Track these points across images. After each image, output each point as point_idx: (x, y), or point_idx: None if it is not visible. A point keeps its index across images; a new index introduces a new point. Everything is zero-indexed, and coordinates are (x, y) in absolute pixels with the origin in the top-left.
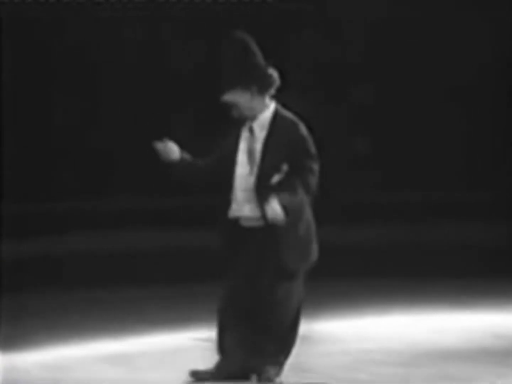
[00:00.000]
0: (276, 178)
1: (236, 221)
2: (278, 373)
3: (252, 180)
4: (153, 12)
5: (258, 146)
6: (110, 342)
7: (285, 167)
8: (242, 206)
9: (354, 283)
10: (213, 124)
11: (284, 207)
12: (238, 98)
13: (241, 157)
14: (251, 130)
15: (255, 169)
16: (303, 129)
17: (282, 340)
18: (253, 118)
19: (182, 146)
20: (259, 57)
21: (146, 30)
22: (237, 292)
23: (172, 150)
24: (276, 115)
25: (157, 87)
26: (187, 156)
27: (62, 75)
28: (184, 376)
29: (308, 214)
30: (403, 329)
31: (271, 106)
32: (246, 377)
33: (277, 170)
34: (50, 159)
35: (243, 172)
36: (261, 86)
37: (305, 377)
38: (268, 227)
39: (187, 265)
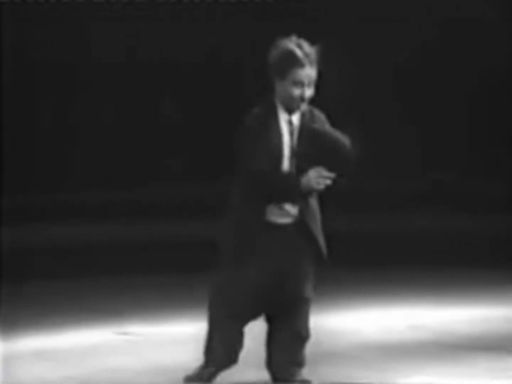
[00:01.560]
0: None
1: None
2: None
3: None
4: (149, 12)
5: (295, 139)
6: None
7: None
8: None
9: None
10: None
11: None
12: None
13: (286, 152)
14: (290, 123)
15: (294, 163)
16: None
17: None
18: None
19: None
20: None
21: (142, 29)
22: (259, 291)
23: None
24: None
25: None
26: None
27: (61, 73)
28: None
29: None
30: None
31: None
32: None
33: (312, 161)
34: (49, 153)
35: (287, 168)
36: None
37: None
38: (298, 221)
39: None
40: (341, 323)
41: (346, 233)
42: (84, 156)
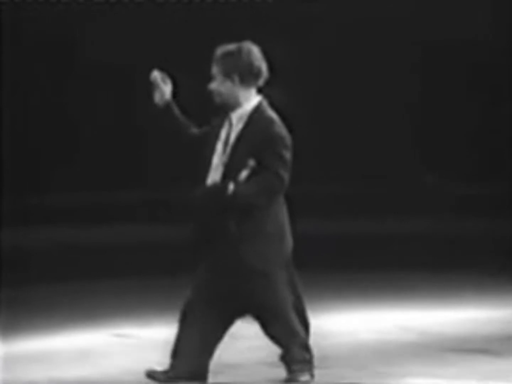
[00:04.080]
0: (243, 174)
1: None
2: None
3: (220, 170)
4: (146, 12)
5: (233, 138)
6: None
7: (251, 163)
8: None
9: None
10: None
11: (239, 196)
12: (220, 85)
13: (218, 146)
14: (230, 121)
15: (225, 161)
16: (278, 129)
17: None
18: (235, 107)
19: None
20: (251, 54)
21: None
22: (203, 291)
23: (167, 87)
24: (256, 110)
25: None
26: (177, 109)
27: (61, 73)
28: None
29: (276, 211)
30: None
31: (255, 100)
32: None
33: (245, 164)
34: (50, 154)
35: (216, 162)
36: (243, 75)
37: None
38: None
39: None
40: (332, 325)
41: (336, 236)
42: (86, 157)
